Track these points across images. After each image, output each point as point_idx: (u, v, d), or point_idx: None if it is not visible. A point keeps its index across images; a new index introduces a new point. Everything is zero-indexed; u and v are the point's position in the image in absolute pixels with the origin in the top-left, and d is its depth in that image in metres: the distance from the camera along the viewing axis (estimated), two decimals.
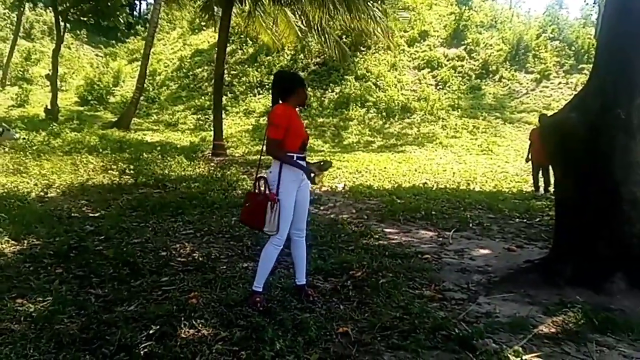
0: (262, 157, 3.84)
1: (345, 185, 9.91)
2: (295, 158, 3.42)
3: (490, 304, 3.71)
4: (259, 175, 3.54)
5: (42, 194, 7.43)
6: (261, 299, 3.41)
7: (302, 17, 14.98)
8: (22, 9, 26.80)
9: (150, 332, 2.98)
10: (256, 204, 3.39)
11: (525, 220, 6.94)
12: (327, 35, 15.08)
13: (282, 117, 3.37)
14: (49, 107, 18.67)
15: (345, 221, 6.48)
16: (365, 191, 9.00)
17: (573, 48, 22.35)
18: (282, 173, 3.38)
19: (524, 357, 2.77)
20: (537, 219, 6.99)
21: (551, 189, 9.02)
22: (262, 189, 3.45)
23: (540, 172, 9.71)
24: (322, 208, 7.46)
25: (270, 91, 3.66)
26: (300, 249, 3.64)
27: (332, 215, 6.97)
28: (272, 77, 4.00)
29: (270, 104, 3.60)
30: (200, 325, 3.09)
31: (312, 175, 3.46)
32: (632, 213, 4.00)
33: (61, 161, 9.89)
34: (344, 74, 23.03)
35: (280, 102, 3.50)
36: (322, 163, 3.83)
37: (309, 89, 21.91)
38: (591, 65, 4.58)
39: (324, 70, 23.91)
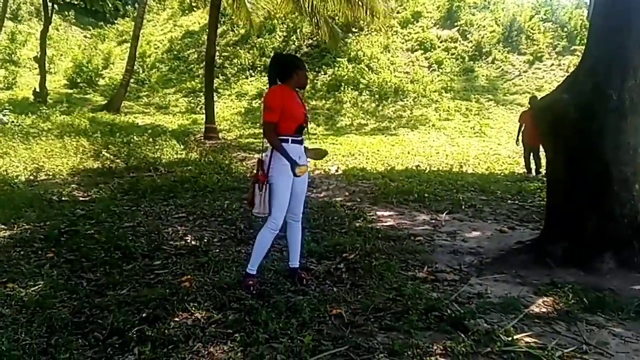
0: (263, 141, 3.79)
1: (338, 167, 9.90)
2: (290, 141, 3.37)
3: (481, 284, 3.74)
4: (260, 159, 3.52)
5: (31, 177, 7.36)
6: (254, 282, 3.42)
7: None
8: None
9: (143, 315, 2.97)
10: (252, 186, 3.40)
11: (517, 202, 6.97)
12: (318, 17, 14.91)
13: (277, 99, 3.33)
14: (37, 89, 18.39)
15: (339, 204, 6.48)
16: (359, 174, 9.00)
17: (566, 29, 22.26)
18: (275, 156, 3.35)
19: (515, 337, 2.79)
20: (529, 201, 7.03)
21: (542, 170, 9.07)
22: (258, 171, 3.43)
23: (532, 154, 9.74)
24: (315, 191, 7.45)
25: (267, 73, 3.57)
26: (295, 233, 3.63)
27: (325, 198, 6.96)
28: (264, 59, 3.93)
29: (267, 86, 3.54)
30: (193, 309, 3.09)
31: (296, 168, 3.35)
32: (622, 194, 4.03)
33: (51, 144, 9.77)
34: (337, 56, 22.82)
35: (279, 83, 3.44)
36: (316, 150, 3.81)
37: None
38: (583, 47, 4.56)
39: (317, 52, 23.68)
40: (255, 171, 3.51)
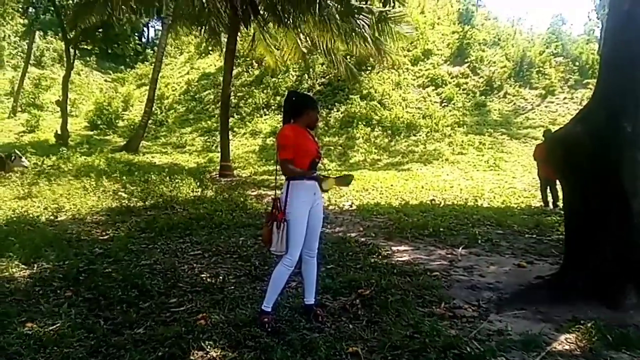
0: (277, 178, 3.85)
1: (352, 203, 9.90)
2: (305, 178, 3.43)
3: (501, 321, 3.66)
4: (275, 197, 3.55)
5: (52, 217, 7.50)
6: (269, 319, 3.40)
7: (307, 38, 15.21)
8: (32, 37, 27.45)
9: (159, 354, 2.97)
10: (268, 224, 3.42)
11: (534, 236, 6.87)
12: (333, 56, 15.28)
13: (289, 137, 3.40)
14: (59, 132, 18.96)
15: (353, 239, 6.45)
16: (373, 209, 8.98)
17: (577, 63, 22.41)
18: (291, 193, 3.38)
19: None
20: (547, 235, 6.93)
21: (560, 203, 8.95)
22: (273, 209, 3.45)
23: (549, 187, 9.66)
24: (329, 226, 7.44)
25: (281, 110, 3.69)
26: (311, 269, 3.63)
27: (339, 234, 6.94)
28: (278, 98, 4.03)
29: (281, 123, 3.64)
30: (209, 347, 3.08)
31: (323, 182, 3.45)
32: None
33: (71, 185, 10.00)
34: (349, 93, 23.20)
35: (292, 121, 3.53)
36: (342, 177, 3.85)
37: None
38: (595, 80, 4.59)
39: (329, 90, 24.11)
40: (271, 209, 3.53)
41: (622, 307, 3.76)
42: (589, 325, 3.40)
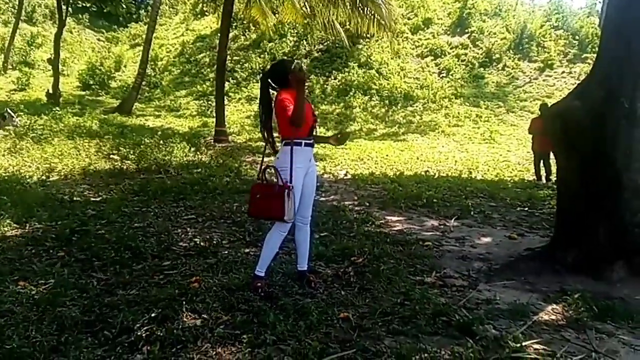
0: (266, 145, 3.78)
1: (347, 172, 9.90)
2: (303, 144, 3.39)
3: (490, 291, 3.72)
4: (268, 165, 3.47)
5: (43, 177, 7.45)
6: (262, 284, 3.42)
7: (305, 2, 14.85)
8: None
9: (152, 315, 2.99)
10: (273, 195, 3.30)
11: (526, 209, 6.93)
12: (332, 22, 14.97)
13: (288, 100, 3.29)
14: (50, 91, 18.62)
15: (347, 208, 6.48)
16: (367, 178, 9.01)
17: (577, 37, 22.13)
18: (291, 159, 3.33)
19: (523, 344, 2.77)
20: (539, 208, 6.99)
21: (553, 178, 9.01)
22: (275, 179, 3.38)
23: (542, 161, 9.69)
24: (324, 195, 7.46)
25: (262, 94, 3.56)
26: (304, 235, 3.64)
27: (334, 202, 6.97)
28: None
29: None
30: (202, 309, 3.11)
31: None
32: (633, 202, 3.99)
33: (63, 145, 9.89)
34: (347, 61, 22.88)
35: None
36: (339, 135, 3.82)
37: (312, 76, 21.80)
38: (595, 55, 4.53)
39: (327, 57, 23.76)
40: (262, 180, 3.46)
41: (609, 280, 3.83)
42: (575, 296, 3.46)
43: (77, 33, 31.86)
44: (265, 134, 3.54)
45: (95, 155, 9.52)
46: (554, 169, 7.96)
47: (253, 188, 3.51)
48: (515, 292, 3.73)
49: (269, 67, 3.63)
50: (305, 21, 16.56)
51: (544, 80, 20.91)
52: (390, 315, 3.14)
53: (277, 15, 15.82)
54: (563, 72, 21.08)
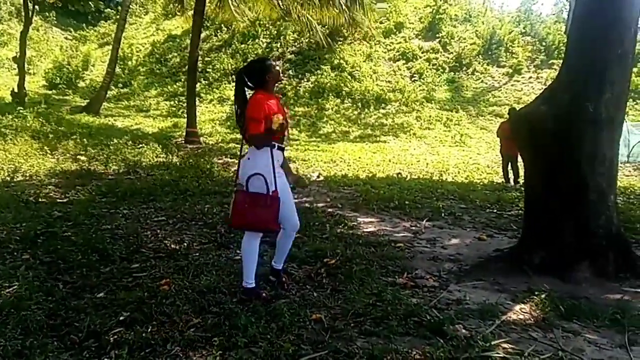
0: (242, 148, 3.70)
1: (320, 174, 9.91)
2: (276, 147, 3.34)
3: (460, 291, 3.78)
4: (255, 172, 3.21)
5: (8, 178, 7.20)
6: (258, 293, 3.34)
7: (280, 2, 14.81)
8: None
9: (120, 318, 2.92)
10: (264, 206, 3.16)
11: (495, 211, 7.08)
12: (308, 22, 14.97)
13: (260, 110, 3.22)
14: (15, 90, 18.02)
15: (320, 209, 6.48)
16: (340, 180, 9.03)
17: (544, 43, 22.81)
18: (274, 163, 3.25)
19: (493, 343, 2.83)
20: (507, 210, 7.14)
21: (521, 180, 9.23)
22: (267, 187, 3.19)
23: (510, 164, 9.92)
24: (296, 197, 7.41)
25: (237, 91, 3.44)
26: (289, 241, 3.60)
27: (306, 204, 6.95)
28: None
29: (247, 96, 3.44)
30: (171, 312, 3.05)
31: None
32: (597, 204, 4.11)
33: (28, 146, 9.59)
34: (320, 63, 22.94)
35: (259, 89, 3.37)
36: (298, 180, 3.97)
37: (285, 78, 21.75)
38: (561, 61, 4.66)
39: (300, 59, 23.76)
40: (268, 190, 3.19)
41: (575, 281, 3.94)
42: (542, 296, 3.54)
43: (44, 31, 30.90)
44: (242, 131, 3.45)
45: (61, 156, 9.26)
46: (522, 171, 8.16)
47: (239, 196, 3.26)
48: (485, 292, 3.79)
49: (239, 73, 3.47)
50: (279, 22, 16.52)
51: (512, 85, 21.46)
52: (363, 316, 3.15)
53: (251, 10, 15.64)
54: (530, 77, 21.69)
